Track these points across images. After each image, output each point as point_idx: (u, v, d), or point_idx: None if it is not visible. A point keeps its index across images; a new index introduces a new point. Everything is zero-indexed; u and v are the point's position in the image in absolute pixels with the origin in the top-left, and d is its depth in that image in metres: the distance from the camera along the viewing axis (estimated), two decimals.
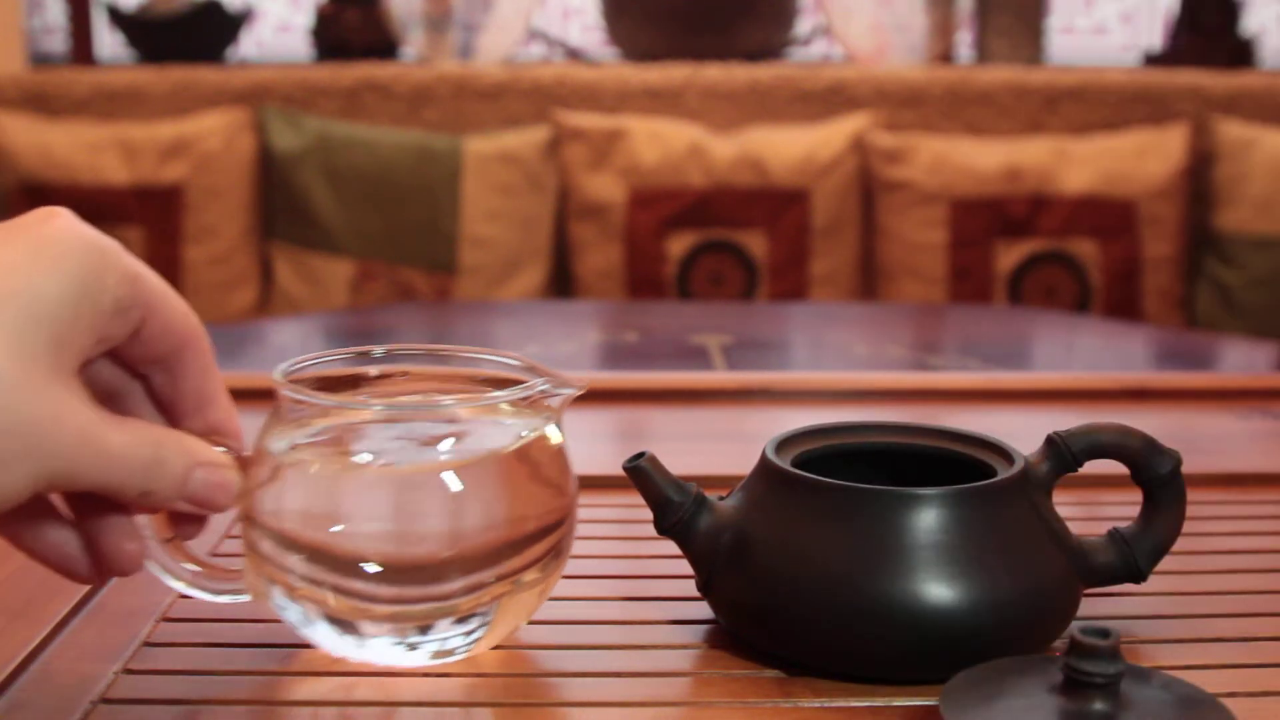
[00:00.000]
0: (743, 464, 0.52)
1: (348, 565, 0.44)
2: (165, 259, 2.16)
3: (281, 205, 2.22)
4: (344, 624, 0.45)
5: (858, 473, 0.51)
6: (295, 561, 0.44)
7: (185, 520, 0.45)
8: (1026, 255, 2.16)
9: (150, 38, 2.46)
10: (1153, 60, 2.49)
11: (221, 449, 0.43)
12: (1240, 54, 2.41)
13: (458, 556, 0.44)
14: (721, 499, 0.50)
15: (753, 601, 0.46)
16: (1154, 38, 2.63)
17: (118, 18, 2.48)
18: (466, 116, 2.26)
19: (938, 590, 0.44)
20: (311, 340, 1.56)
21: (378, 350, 0.50)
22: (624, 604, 0.52)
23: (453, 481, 0.44)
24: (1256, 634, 0.49)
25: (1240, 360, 1.51)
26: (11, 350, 0.37)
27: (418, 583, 0.44)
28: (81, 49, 2.50)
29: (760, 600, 0.46)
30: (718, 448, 0.76)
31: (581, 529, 0.62)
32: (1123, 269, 2.16)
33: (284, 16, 2.68)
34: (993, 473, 0.48)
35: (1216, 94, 2.23)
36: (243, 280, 2.22)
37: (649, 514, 0.49)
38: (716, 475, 0.59)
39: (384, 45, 2.44)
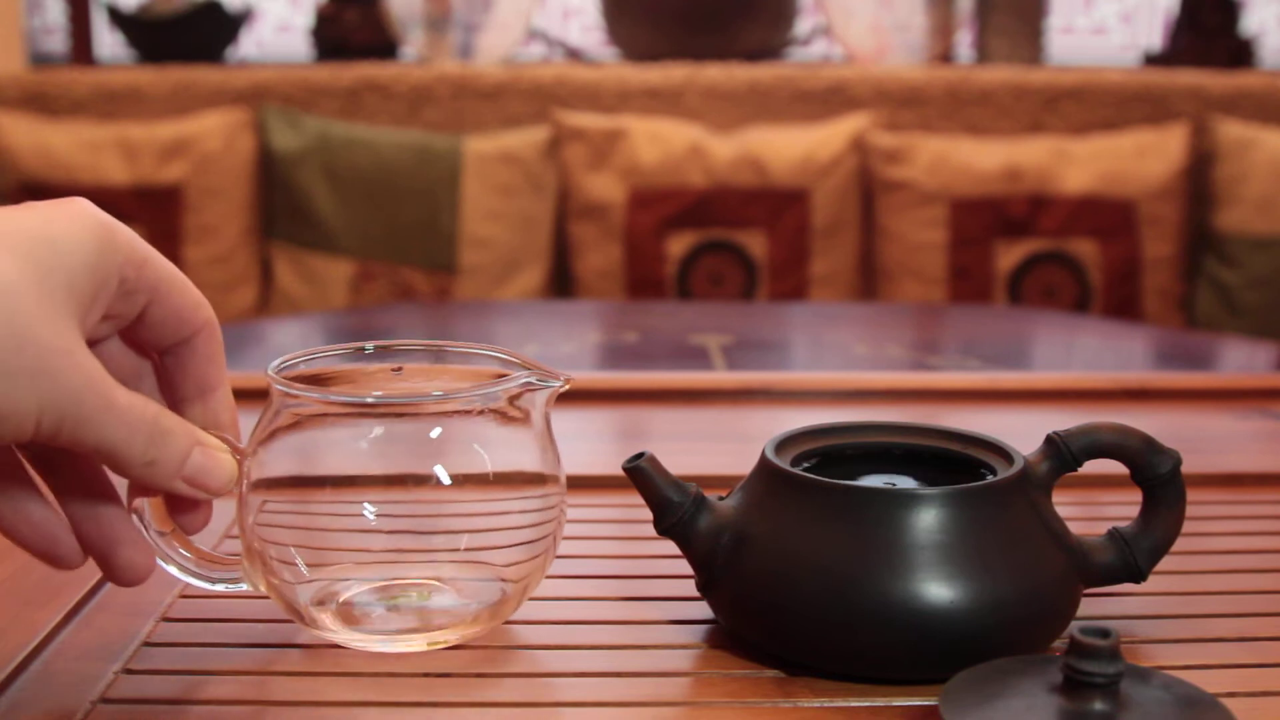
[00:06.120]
0: (743, 464, 0.52)
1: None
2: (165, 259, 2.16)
3: (281, 205, 2.22)
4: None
5: (858, 473, 0.51)
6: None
7: (184, 509, 0.45)
8: (1026, 255, 2.16)
9: (150, 38, 2.46)
10: (1152, 60, 2.48)
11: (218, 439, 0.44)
12: (1240, 54, 2.41)
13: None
14: (721, 499, 0.50)
15: (753, 601, 0.46)
16: (1154, 38, 2.63)
17: (118, 18, 2.48)
18: (466, 116, 2.26)
19: (938, 590, 0.44)
20: (311, 340, 1.56)
21: (369, 346, 0.50)
22: (624, 604, 0.52)
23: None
24: (1256, 634, 0.49)
25: (1240, 360, 1.51)
26: (31, 279, 0.37)
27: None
28: (81, 49, 2.50)
29: (760, 600, 0.46)
30: (718, 448, 0.76)
31: (581, 529, 0.62)
32: (1122, 269, 2.16)
33: (284, 16, 2.68)
34: (993, 473, 0.48)
35: (1216, 94, 2.23)
36: (243, 280, 2.22)
37: (649, 514, 0.49)
38: (716, 475, 0.59)
39: (384, 45, 2.44)
